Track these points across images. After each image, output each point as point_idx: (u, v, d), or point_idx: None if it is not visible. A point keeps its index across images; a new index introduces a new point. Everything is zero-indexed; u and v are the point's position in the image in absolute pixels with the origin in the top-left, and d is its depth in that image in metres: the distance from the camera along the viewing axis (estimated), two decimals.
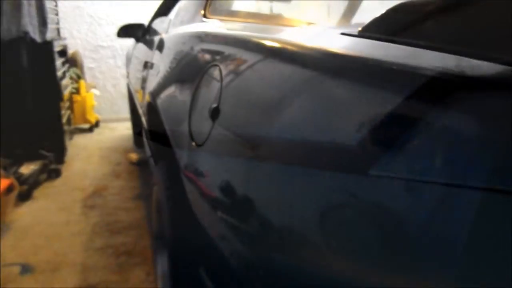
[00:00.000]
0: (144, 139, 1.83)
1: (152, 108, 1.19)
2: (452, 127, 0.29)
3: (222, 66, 0.67)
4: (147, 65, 1.55)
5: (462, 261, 0.27)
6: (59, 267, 1.76)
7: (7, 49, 2.66)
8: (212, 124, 0.63)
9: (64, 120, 3.21)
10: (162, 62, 1.21)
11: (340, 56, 0.43)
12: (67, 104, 3.55)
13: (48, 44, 2.89)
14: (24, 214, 2.26)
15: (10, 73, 2.73)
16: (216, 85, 0.66)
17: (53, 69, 2.93)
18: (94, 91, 4.32)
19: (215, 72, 0.68)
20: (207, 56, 0.79)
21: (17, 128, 2.86)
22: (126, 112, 4.77)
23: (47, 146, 2.99)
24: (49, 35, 2.98)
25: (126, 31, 2.37)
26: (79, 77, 4.18)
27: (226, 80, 0.64)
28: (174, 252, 0.96)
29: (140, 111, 1.78)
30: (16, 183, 2.20)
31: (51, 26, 3.15)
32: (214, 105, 0.63)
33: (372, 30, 0.44)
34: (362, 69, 0.38)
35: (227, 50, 0.71)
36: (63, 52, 3.45)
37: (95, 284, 1.65)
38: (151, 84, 1.23)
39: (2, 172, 2.31)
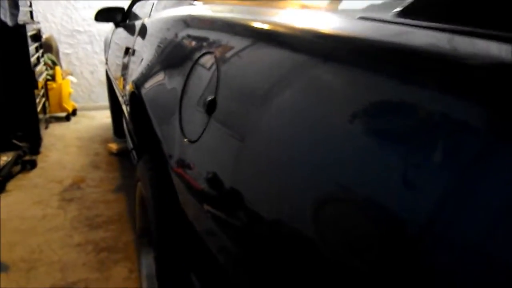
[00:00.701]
0: (126, 130, 1.74)
1: (135, 98, 1.10)
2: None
3: (217, 54, 0.60)
4: (128, 52, 1.46)
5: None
6: (36, 265, 1.67)
7: None
8: (207, 118, 0.57)
9: (39, 108, 3.07)
10: (146, 49, 1.12)
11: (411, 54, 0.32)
12: (42, 91, 3.39)
13: (21, 28, 2.73)
14: None
15: None
16: (211, 76, 0.59)
17: (26, 55, 2.78)
18: (71, 78, 4.15)
19: (210, 61, 0.61)
20: (200, 43, 0.72)
21: None
22: (104, 100, 4.61)
23: (21, 136, 2.85)
24: (21, 18, 2.82)
25: (104, 15, 2.24)
26: (54, 64, 3.99)
27: (223, 70, 0.57)
28: (161, 251, 0.90)
29: (121, 99, 1.69)
30: None
31: (23, 9, 2.98)
32: (210, 98, 0.57)
33: (416, 13, 0.36)
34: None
35: (223, 36, 0.63)
36: (36, 37, 3.28)
37: (74, 283, 1.57)
38: (134, 73, 1.14)
39: None
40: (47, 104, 3.71)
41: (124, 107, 1.47)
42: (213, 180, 0.56)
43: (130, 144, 1.49)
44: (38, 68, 3.11)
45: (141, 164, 1.04)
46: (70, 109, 4.10)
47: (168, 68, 0.89)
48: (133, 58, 1.32)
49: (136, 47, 1.31)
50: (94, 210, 2.16)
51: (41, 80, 3.16)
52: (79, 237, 1.88)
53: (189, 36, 0.81)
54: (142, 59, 1.12)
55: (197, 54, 0.69)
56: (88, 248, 1.79)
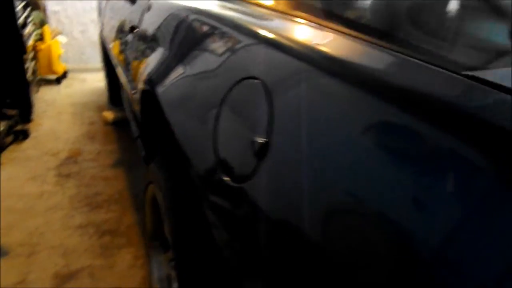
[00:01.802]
0: (128, 115, 1.61)
1: (149, 97, 0.99)
2: None
3: (268, 82, 0.50)
4: (134, 31, 1.32)
5: None
6: (36, 249, 1.61)
7: None
8: (256, 161, 0.48)
9: (28, 72, 2.90)
10: (161, 41, 0.98)
11: None
12: (31, 54, 3.20)
13: None
14: None
15: None
16: (259, 109, 0.50)
17: (13, 16, 2.58)
18: (60, 38, 3.92)
19: (256, 90, 0.51)
20: (242, 61, 0.61)
21: None
22: (96, 62, 4.40)
23: (11, 103, 2.71)
24: None
25: None
26: (42, 22, 3.76)
27: (278, 105, 0.48)
28: (182, 258, 0.85)
29: (123, 80, 1.56)
30: None
31: None
32: (260, 140, 0.48)
33: None
34: None
35: (279, 58, 0.52)
36: None
37: (78, 270, 1.52)
38: (147, 67, 1.02)
39: None
40: (36, 67, 3.52)
41: (133, 104, 1.33)
42: (263, 225, 0.49)
43: (141, 148, 1.37)
44: (26, 31, 2.91)
45: (155, 168, 0.96)
46: (61, 72, 3.91)
47: (195, 79, 0.77)
48: (141, 44, 1.18)
49: (145, 30, 1.17)
50: (93, 187, 2.09)
51: (30, 43, 2.97)
52: (80, 218, 1.82)
53: (226, 47, 0.69)
54: (155, 51, 1.00)
55: (237, 75, 0.59)
56: (90, 231, 1.74)
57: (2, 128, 2.43)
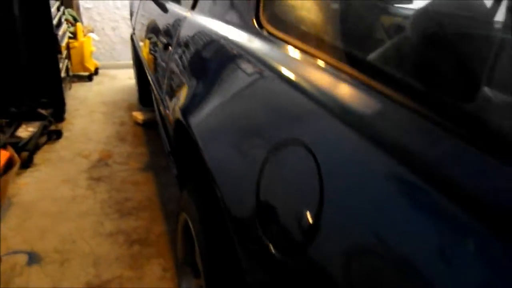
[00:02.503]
0: (160, 128, 1.60)
1: (182, 128, 0.97)
2: None
3: (316, 151, 0.47)
4: (168, 49, 1.30)
5: None
6: (69, 257, 1.64)
7: None
8: (303, 238, 0.45)
9: (62, 71, 2.95)
10: (201, 71, 0.96)
11: None
12: (64, 53, 3.25)
13: None
14: (26, 186, 2.11)
15: (1, 24, 2.43)
16: (305, 178, 0.47)
17: (48, 18, 2.62)
18: (92, 36, 3.98)
19: (302, 155, 0.48)
20: (293, 117, 0.57)
21: (11, 85, 2.61)
22: (126, 58, 4.46)
23: (45, 103, 2.77)
24: None
25: None
26: (75, 20, 3.82)
27: (328, 179, 0.45)
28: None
29: (154, 88, 1.55)
30: (16, 157, 2.01)
31: None
32: (308, 218, 0.45)
33: None
34: None
35: (332, 127, 0.48)
36: None
37: (109, 281, 1.54)
38: (182, 94, 1.00)
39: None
40: (69, 65, 3.59)
41: (169, 129, 1.30)
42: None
43: (174, 171, 1.35)
44: (60, 31, 2.96)
45: (187, 197, 0.94)
46: (92, 69, 3.97)
47: (236, 121, 0.75)
48: (176, 66, 1.16)
49: (181, 52, 1.14)
50: (123, 192, 2.11)
51: (63, 44, 3.02)
52: (110, 226, 1.84)
53: (275, 98, 0.65)
54: (192, 79, 0.98)
55: (286, 134, 0.55)
56: (120, 240, 1.76)
57: (37, 129, 2.49)
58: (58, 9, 3.01)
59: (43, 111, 2.71)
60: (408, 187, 0.39)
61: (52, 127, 2.69)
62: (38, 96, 2.74)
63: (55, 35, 2.71)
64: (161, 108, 1.38)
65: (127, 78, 4.17)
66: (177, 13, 1.40)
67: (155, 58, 1.62)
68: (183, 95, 1.00)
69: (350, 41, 0.66)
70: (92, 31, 4.09)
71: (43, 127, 2.58)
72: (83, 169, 2.32)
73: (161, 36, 1.54)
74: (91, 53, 3.95)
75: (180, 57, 1.12)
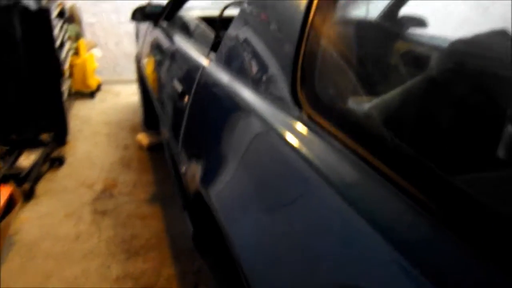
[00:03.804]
0: (178, 194, 1.48)
1: (202, 203, 0.89)
2: None
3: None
4: (183, 98, 1.20)
5: None
6: None
7: None
8: None
9: (65, 92, 2.86)
10: (224, 141, 0.86)
11: None
12: (67, 72, 3.17)
13: (45, 12, 2.46)
14: (28, 222, 2.02)
15: (2, 47, 2.34)
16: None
17: (51, 41, 2.53)
18: (95, 52, 3.89)
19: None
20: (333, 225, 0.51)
21: (12, 110, 2.52)
22: (129, 74, 4.38)
23: (47, 126, 2.68)
24: None
25: (142, 15, 1.95)
26: (78, 36, 3.73)
27: None
28: None
29: (169, 141, 1.46)
30: (18, 193, 1.92)
31: None
32: None
33: None
34: None
35: None
36: (61, 14, 3.00)
37: None
38: (201, 159, 0.90)
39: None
40: (71, 82, 3.50)
41: (175, 158, 1.22)
42: None
43: (181, 201, 1.28)
44: (64, 51, 2.87)
45: (207, 270, 0.85)
46: (95, 86, 3.88)
47: (265, 211, 0.67)
48: (194, 122, 1.06)
49: (199, 109, 1.05)
50: (129, 228, 2.02)
51: (67, 65, 2.93)
52: (117, 269, 1.75)
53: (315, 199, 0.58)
54: (214, 148, 0.89)
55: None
56: (128, 284, 1.66)
57: (39, 158, 2.40)
58: (61, 29, 2.92)
59: (45, 136, 2.62)
60: None
61: (54, 153, 2.60)
62: (39, 120, 2.65)
63: (58, 59, 2.62)
64: (176, 159, 1.29)
65: (131, 94, 4.08)
66: (192, 56, 1.31)
67: (166, 97, 1.53)
68: (204, 163, 0.91)
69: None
70: (95, 47, 4.01)
71: (45, 155, 2.49)
72: (87, 201, 2.23)
73: (173, 76, 1.45)
74: (94, 70, 3.86)
75: (201, 114, 1.03)
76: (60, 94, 2.71)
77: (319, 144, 0.65)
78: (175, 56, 1.54)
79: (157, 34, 1.98)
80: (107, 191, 2.34)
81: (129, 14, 4.11)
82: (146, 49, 2.26)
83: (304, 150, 0.66)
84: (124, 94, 4.10)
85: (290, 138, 0.69)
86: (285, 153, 0.69)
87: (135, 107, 3.71)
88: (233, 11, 2.09)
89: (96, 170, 2.56)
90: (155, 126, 2.95)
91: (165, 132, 1.69)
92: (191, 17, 1.75)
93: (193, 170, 0.99)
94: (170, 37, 1.66)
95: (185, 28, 1.74)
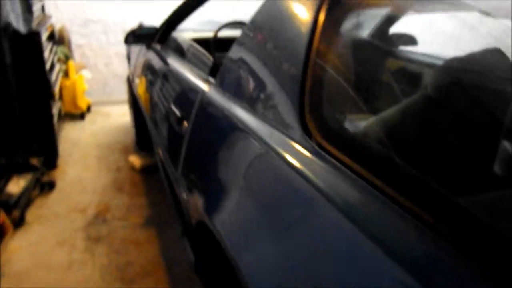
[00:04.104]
0: (177, 219, 1.45)
1: (205, 232, 0.86)
2: None
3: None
4: (182, 124, 1.18)
5: None
6: None
7: None
8: None
9: (54, 114, 2.81)
10: (228, 170, 0.84)
11: None
12: (57, 95, 3.12)
13: (35, 35, 2.43)
14: (18, 251, 1.95)
15: None
16: None
17: (41, 64, 2.50)
18: (85, 73, 3.86)
19: None
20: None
21: (1, 135, 2.46)
22: (119, 94, 4.36)
23: (37, 149, 2.62)
24: (35, 21, 2.52)
25: (136, 37, 1.94)
26: (67, 58, 3.70)
27: None
28: None
29: (160, 153, 1.43)
30: (8, 222, 1.86)
31: (36, 7, 2.68)
32: None
33: None
34: None
35: None
36: (51, 36, 2.98)
37: None
38: (203, 187, 0.88)
39: None
40: (61, 105, 3.45)
41: (173, 184, 1.20)
42: None
43: (181, 226, 1.25)
44: (54, 74, 2.84)
45: None
46: (85, 107, 3.84)
47: (277, 242, 0.65)
48: (195, 149, 1.04)
49: (200, 136, 1.03)
50: (124, 255, 1.96)
51: (57, 88, 2.89)
52: None
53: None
54: (218, 177, 0.86)
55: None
56: None
57: (29, 183, 2.33)
58: (51, 51, 2.89)
59: (35, 160, 2.56)
60: None
61: (45, 178, 2.54)
62: (29, 144, 2.60)
63: (48, 82, 2.59)
64: (175, 185, 1.26)
65: (121, 115, 4.04)
66: (190, 80, 1.30)
67: (162, 120, 1.51)
68: (208, 191, 0.88)
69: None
70: (84, 68, 3.98)
71: (35, 179, 2.43)
72: (80, 227, 2.17)
73: (170, 99, 1.43)
74: (84, 91, 3.82)
75: (203, 141, 1.01)
76: (50, 117, 2.66)
77: (329, 173, 0.64)
78: (171, 79, 1.52)
79: (151, 56, 1.96)
80: (100, 216, 2.28)
81: (119, 35, 4.13)
82: (139, 71, 2.24)
83: (314, 178, 0.64)
84: (114, 115, 4.06)
85: (298, 166, 0.67)
86: (296, 182, 0.67)
87: (126, 128, 3.67)
88: (226, 33, 2.10)
89: (88, 194, 2.51)
90: (148, 147, 2.92)
91: (160, 153, 1.67)
92: (184, 39, 1.75)
93: (195, 198, 0.97)
94: (164, 60, 1.65)
95: (179, 51, 1.73)
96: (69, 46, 3.90)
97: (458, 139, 0.65)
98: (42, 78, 2.53)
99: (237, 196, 0.82)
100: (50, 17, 3.23)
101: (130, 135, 3.46)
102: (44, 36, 2.65)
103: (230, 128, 0.91)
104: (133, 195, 2.53)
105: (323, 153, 0.67)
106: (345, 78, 0.74)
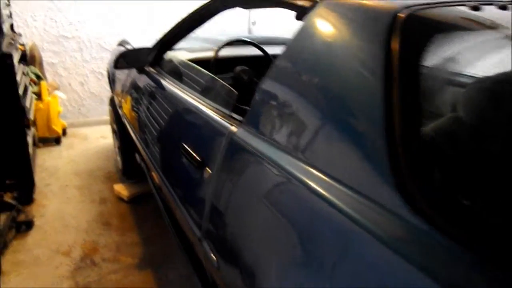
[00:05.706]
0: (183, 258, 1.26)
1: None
2: None
3: None
4: (204, 168, 0.98)
5: None
6: None
7: None
8: None
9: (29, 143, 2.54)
10: (285, 239, 0.66)
11: None
12: (32, 121, 2.85)
13: (6, 58, 2.18)
14: None
15: None
16: None
17: (14, 89, 2.24)
18: (59, 94, 3.57)
19: None
20: None
21: None
22: (96, 114, 4.10)
23: (11, 185, 2.35)
24: (5, 42, 2.27)
25: (127, 62, 1.72)
26: (39, 78, 3.42)
27: None
28: None
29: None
30: None
31: (5, 26, 2.42)
32: None
33: None
34: None
35: None
36: (23, 57, 2.71)
37: None
38: (248, 264, 0.70)
39: None
40: (34, 130, 3.17)
41: (195, 245, 1.00)
42: None
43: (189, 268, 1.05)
44: (27, 100, 2.57)
45: None
46: (60, 131, 3.55)
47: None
48: (228, 206, 0.85)
49: (233, 189, 0.83)
50: None
51: (31, 114, 2.63)
52: None
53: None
54: (268, 246, 0.68)
55: None
56: None
57: (4, 225, 2.06)
58: (23, 73, 2.62)
59: (8, 196, 2.29)
60: None
61: (21, 216, 2.27)
62: (2, 179, 2.33)
63: (23, 108, 2.33)
64: (197, 247, 1.05)
65: (99, 137, 3.77)
66: (205, 113, 1.11)
67: (168, 157, 1.31)
68: (255, 268, 0.70)
69: None
70: (57, 89, 3.70)
71: (11, 219, 2.16)
72: (65, 274, 1.92)
73: (179, 135, 1.24)
74: (59, 113, 3.54)
75: (239, 198, 0.82)
76: (25, 147, 2.40)
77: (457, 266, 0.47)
78: (177, 110, 1.33)
79: (145, 80, 1.76)
80: (88, 258, 2.04)
81: (94, 51, 3.87)
82: (129, 95, 2.03)
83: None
84: (92, 137, 3.79)
85: (406, 253, 0.51)
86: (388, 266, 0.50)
87: (106, 152, 3.42)
88: (224, 52, 1.92)
89: (71, 233, 2.25)
90: (135, 175, 2.68)
91: (156, 178, 1.47)
92: (187, 63, 1.56)
93: (233, 272, 0.78)
94: (163, 87, 1.45)
95: (178, 74, 1.55)
96: (40, 65, 3.61)
97: None
98: (16, 104, 2.27)
99: (299, 275, 0.64)
100: (20, 35, 2.96)
101: (111, 161, 3.21)
102: (16, 57, 2.39)
103: (281, 187, 0.73)
104: (122, 230, 2.29)
105: (439, 234, 0.50)
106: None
